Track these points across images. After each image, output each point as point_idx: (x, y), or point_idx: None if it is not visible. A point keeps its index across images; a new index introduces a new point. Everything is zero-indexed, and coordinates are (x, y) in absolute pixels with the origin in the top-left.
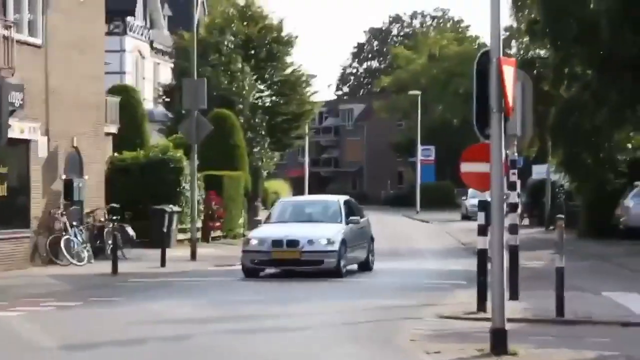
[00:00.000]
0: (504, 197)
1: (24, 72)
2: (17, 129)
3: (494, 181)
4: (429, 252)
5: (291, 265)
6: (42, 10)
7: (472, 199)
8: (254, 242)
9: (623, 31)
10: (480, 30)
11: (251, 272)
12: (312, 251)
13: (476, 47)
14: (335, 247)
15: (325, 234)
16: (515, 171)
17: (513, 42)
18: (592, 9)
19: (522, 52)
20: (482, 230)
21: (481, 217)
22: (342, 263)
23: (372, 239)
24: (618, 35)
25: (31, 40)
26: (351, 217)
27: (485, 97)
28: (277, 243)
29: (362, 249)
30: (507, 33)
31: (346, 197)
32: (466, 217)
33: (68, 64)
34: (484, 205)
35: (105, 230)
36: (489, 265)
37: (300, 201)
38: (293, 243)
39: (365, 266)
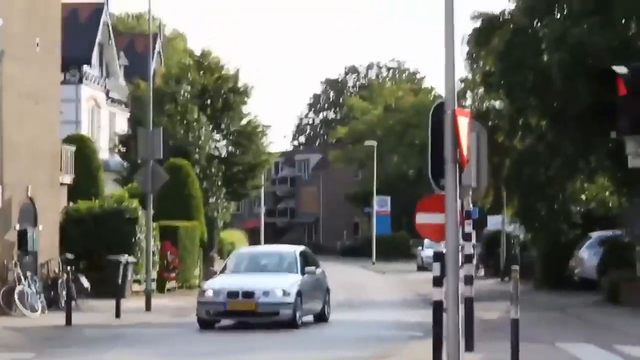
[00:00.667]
0: (459, 247)
1: None
2: None
3: (449, 232)
4: (385, 303)
5: (247, 316)
6: None
7: (427, 250)
8: (209, 293)
9: (574, 82)
10: (436, 81)
11: (206, 323)
12: (268, 303)
13: (432, 98)
14: (291, 298)
15: (281, 285)
16: (471, 222)
17: (468, 93)
18: (546, 60)
19: (477, 103)
20: (438, 281)
21: (437, 268)
22: (298, 314)
23: (327, 290)
24: (570, 87)
25: None
26: (307, 268)
27: (440, 148)
28: (232, 294)
29: (318, 300)
30: (462, 84)
31: (302, 248)
32: (422, 268)
33: (22, 113)
34: (439, 256)
35: (60, 280)
36: (444, 317)
37: (256, 252)
38: (249, 294)
39: (321, 317)
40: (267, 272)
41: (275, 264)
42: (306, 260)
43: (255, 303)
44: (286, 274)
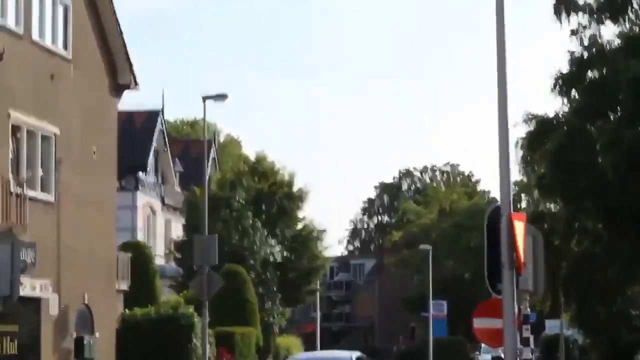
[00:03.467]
0: (518, 352)
1: (36, 229)
2: (29, 286)
3: (507, 337)
4: None
5: None
6: (54, 167)
7: (485, 355)
8: None
9: (630, 184)
10: (490, 184)
11: None
12: None
13: (486, 201)
14: None
15: None
16: (528, 326)
17: (523, 196)
18: (600, 163)
19: (532, 206)
20: None
21: None
22: None
23: None
24: (625, 188)
25: (43, 197)
26: None
27: (496, 252)
28: None
29: None
30: (517, 187)
31: (358, 353)
32: None
33: (80, 221)
34: None
35: None
36: None
37: (311, 357)
38: None
39: None
40: None
41: None
42: None
43: None
44: None
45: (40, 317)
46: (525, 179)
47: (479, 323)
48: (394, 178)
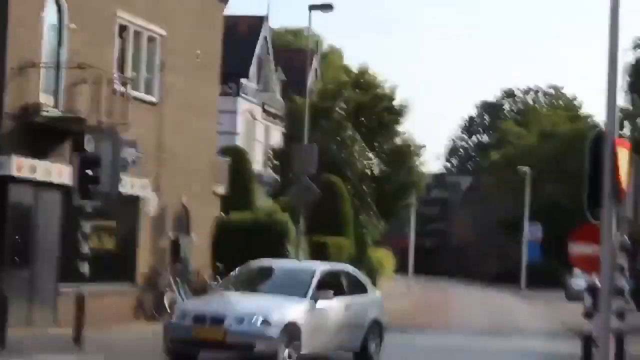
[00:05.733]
0: (613, 280)
1: (138, 130)
2: (129, 184)
3: (603, 264)
4: (532, 331)
5: (214, 348)
6: (159, 69)
7: (578, 280)
8: (176, 314)
9: None
10: (593, 108)
11: (174, 355)
12: (240, 332)
13: (589, 125)
14: (274, 330)
15: (264, 311)
16: (625, 254)
17: (626, 123)
18: None
19: (636, 133)
20: (589, 314)
21: (588, 300)
22: (286, 352)
23: (378, 323)
24: None
25: (147, 97)
26: (325, 292)
27: (597, 178)
28: (199, 318)
29: (354, 334)
30: (621, 115)
31: (329, 266)
32: (572, 297)
33: (181, 123)
34: (591, 289)
35: (209, 289)
36: (594, 350)
37: (266, 266)
38: (218, 320)
39: (362, 357)
40: (270, 293)
41: (287, 284)
42: (334, 283)
43: (224, 331)
44: (292, 297)
45: (139, 215)
46: (630, 106)
47: (575, 248)
48: (496, 97)
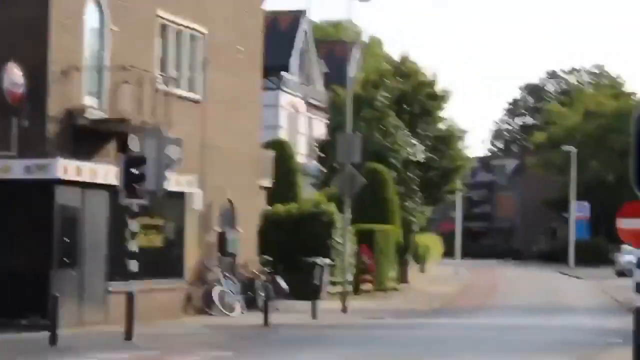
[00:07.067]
0: None
1: (182, 127)
2: (174, 181)
3: None
4: (583, 308)
5: None
6: (201, 67)
7: (627, 256)
8: None
9: None
10: (638, 85)
11: None
12: None
13: (633, 102)
14: None
15: None
16: None
17: None
18: None
19: None
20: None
21: (638, 275)
22: None
23: None
24: None
25: (190, 95)
26: None
27: None
28: None
29: None
30: None
31: None
32: (621, 273)
33: (225, 119)
34: None
35: (257, 282)
36: None
37: None
38: None
39: None
40: None
41: None
42: None
43: None
44: None
45: (185, 211)
46: None
47: (624, 223)
48: (539, 79)
